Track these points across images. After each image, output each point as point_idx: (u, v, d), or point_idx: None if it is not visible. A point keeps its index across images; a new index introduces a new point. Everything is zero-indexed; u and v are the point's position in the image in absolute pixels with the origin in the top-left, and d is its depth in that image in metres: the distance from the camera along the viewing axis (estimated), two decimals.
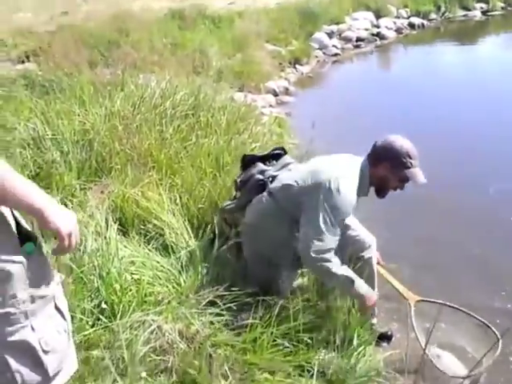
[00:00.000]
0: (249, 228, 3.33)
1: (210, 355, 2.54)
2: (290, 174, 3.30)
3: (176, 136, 4.74)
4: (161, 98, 5.41)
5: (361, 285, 3.10)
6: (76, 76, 6.28)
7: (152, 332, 2.63)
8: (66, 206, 3.61)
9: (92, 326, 2.69)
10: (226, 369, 2.53)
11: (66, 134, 4.55)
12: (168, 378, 2.49)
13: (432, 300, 3.56)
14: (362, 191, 3.13)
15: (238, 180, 3.48)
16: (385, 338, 3.54)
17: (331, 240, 2.95)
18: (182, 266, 3.29)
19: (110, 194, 3.82)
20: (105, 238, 3.23)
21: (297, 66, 11.73)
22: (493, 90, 10.12)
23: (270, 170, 3.42)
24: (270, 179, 3.34)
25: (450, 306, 3.53)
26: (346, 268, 3.06)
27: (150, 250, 3.37)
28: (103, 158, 4.32)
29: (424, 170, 3.14)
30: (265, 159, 3.53)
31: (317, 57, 12.79)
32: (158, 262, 3.26)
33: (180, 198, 3.91)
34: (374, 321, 3.55)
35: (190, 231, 3.64)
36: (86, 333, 2.58)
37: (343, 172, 3.06)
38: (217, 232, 3.53)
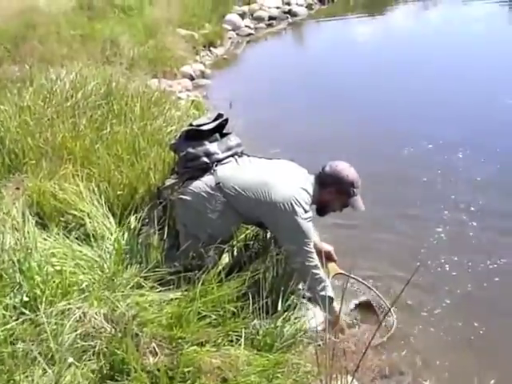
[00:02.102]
0: (188, 207, 3.36)
1: (137, 334, 2.57)
2: (239, 176, 3.36)
3: (90, 126, 4.67)
4: (72, 89, 5.32)
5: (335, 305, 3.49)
6: None
7: (77, 319, 2.64)
8: None
9: (16, 321, 2.67)
10: (154, 345, 2.57)
11: None
12: (97, 362, 2.51)
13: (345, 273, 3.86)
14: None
15: (182, 154, 3.43)
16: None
17: (315, 255, 3.38)
18: (105, 253, 3.30)
19: (26, 190, 3.77)
20: (23, 232, 3.19)
21: (211, 48, 11.75)
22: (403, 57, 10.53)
23: (217, 153, 3.42)
24: (216, 164, 3.39)
25: (357, 280, 3.99)
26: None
27: (71, 240, 3.35)
28: (16, 155, 4.23)
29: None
30: (210, 133, 3.48)
31: (230, 38, 12.85)
32: (80, 252, 3.25)
33: (98, 186, 3.87)
34: (300, 286, 3.68)
35: (112, 218, 3.64)
36: (8, 326, 2.55)
37: (298, 191, 3.32)
38: (141, 215, 3.56)
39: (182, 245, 3.39)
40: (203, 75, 10.06)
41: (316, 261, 3.37)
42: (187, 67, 9.87)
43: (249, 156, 3.56)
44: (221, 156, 3.43)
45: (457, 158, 6.24)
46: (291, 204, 3.24)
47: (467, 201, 5.27)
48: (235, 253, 3.60)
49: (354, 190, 3.42)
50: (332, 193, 3.43)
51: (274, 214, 3.29)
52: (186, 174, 3.43)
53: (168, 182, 3.53)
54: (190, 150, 3.40)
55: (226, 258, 3.49)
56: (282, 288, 3.27)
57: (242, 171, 3.40)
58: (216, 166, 3.40)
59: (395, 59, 10.54)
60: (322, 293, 3.39)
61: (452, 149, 6.39)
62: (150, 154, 4.20)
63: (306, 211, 3.29)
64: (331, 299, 3.44)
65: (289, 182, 3.35)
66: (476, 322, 3.80)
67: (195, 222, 3.36)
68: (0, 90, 5.37)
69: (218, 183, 3.32)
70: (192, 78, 9.61)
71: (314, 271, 3.37)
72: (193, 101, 7.42)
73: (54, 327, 2.59)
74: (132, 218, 3.61)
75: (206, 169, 3.39)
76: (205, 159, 3.39)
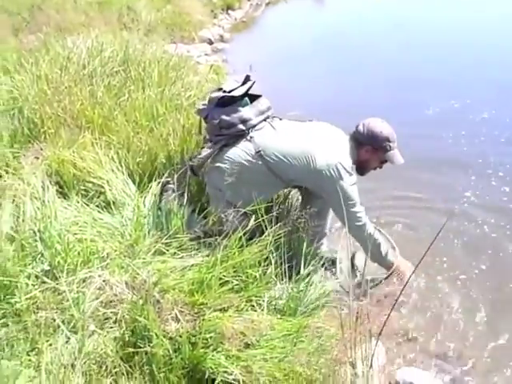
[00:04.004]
0: (226, 174, 3.25)
1: (158, 301, 2.55)
2: (280, 142, 3.29)
3: (108, 93, 4.63)
4: (89, 57, 5.26)
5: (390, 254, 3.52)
6: None
7: (99, 287, 2.64)
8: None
9: (38, 290, 2.66)
10: (176, 312, 2.55)
11: None
12: (119, 329, 2.51)
13: None
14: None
15: (215, 122, 3.31)
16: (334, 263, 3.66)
17: (364, 214, 3.35)
18: (125, 220, 3.27)
19: (45, 159, 3.75)
20: (43, 201, 3.18)
21: (230, 12, 11.60)
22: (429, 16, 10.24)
23: (251, 118, 3.31)
24: (251, 129, 3.32)
25: None
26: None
27: (91, 208, 3.33)
28: (35, 124, 4.20)
29: None
30: (240, 97, 3.36)
31: (249, 0, 12.67)
32: (100, 220, 3.24)
33: (118, 154, 3.84)
34: (324, 247, 3.66)
35: (132, 185, 3.62)
36: (31, 295, 2.55)
37: (341, 155, 3.27)
38: (161, 180, 3.53)
39: (212, 209, 3.32)
40: (222, 39, 9.95)
41: (366, 219, 3.35)
42: (206, 31, 9.77)
43: (280, 119, 3.46)
44: (254, 121, 3.34)
45: (482, 118, 6.09)
46: (337, 169, 3.20)
47: (495, 164, 5.16)
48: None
49: (390, 144, 3.35)
50: (369, 151, 3.38)
51: (320, 181, 3.25)
52: (220, 142, 3.35)
53: (204, 152, 3.38)
54: (225, 117, 3.28)
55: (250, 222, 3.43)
56: (305, 251, 3.22)
57: (280, 137, 3.31)
58: (251, 131, 3.32)
59: (421, 19, 10.27)
60: (378, 249, 3.39)
61: (478, 109, 6.23)
62: (168, 120, 4.15)
63: (350, 175, 3.26)
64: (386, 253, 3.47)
65: (331, 147, 3.29)
66: (509, 285, 3.73)
67: (233, 189, 3.26)
68: (17, 59, 5.33)
69: (259, 151, 3.25)
70: (211, 42, 9.51)
71: (367, 229, 3.35)
72: (212, 65, 7.33)
73: (76, 295, 2.59)
74: (152, 185, 3.57)
75: (240, 135, 3.32)
76: (241, 126, 3.30)
